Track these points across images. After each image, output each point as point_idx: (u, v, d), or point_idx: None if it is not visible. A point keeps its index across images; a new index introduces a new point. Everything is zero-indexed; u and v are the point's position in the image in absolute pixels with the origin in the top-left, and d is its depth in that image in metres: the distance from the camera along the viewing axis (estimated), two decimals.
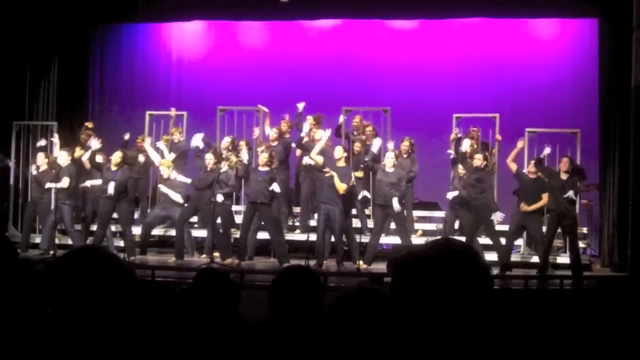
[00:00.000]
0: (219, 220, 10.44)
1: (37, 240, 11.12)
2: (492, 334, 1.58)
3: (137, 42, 14.30)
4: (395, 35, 13.55)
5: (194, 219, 11.34)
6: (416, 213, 11.58)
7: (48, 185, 10.68)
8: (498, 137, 11.39)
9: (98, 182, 10.64)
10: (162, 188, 10.76)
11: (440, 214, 11.59)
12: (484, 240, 10.18)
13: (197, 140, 11.40)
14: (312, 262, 9.69)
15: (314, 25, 13.69)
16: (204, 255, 10.58)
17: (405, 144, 10.92)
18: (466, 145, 10.23)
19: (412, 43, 13.46)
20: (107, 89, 14.10)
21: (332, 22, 13.68)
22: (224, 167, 10.36)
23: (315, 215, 10.69)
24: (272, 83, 13.32)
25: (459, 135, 10.90)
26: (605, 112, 11.16)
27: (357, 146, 11.02)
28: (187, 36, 14.18)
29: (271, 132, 11.19)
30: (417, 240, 10.57)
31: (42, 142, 11.46)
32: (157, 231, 11.48)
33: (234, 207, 11.42)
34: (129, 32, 14.17)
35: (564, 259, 10.24)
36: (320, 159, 10.15)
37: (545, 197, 9.81)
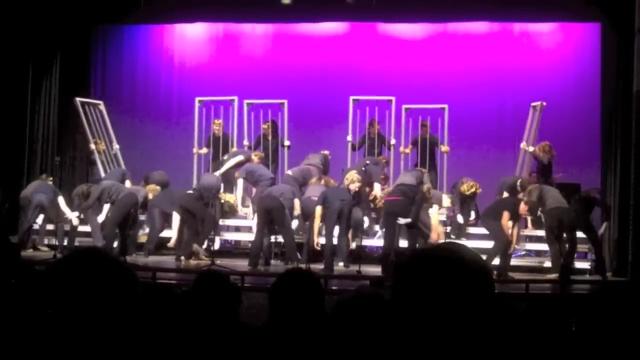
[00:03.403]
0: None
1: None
2: (492, 338, 1.58)
3: (139, 44, 14.31)
4: (398, 44, 13.53)
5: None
6: None
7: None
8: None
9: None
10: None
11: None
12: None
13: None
14: (313, 265, 9.67)
15: (317, 30, 13.68)
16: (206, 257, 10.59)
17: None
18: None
19: (416, 52, 13.45)
20: (108, 90, 14.11)
21: (335, 29, 13.67)
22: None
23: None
24: (272, 86, 13.33)
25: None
26: (607, 117, 11.16)
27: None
28: (189, 39, 14.19)
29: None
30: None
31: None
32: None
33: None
34: (130, 34, 14.18)
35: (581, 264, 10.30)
36: None
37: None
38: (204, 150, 12.37)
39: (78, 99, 12.60)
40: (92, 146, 12.40)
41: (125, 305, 1.92)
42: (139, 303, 2.25)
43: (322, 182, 10.93)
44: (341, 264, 10.03)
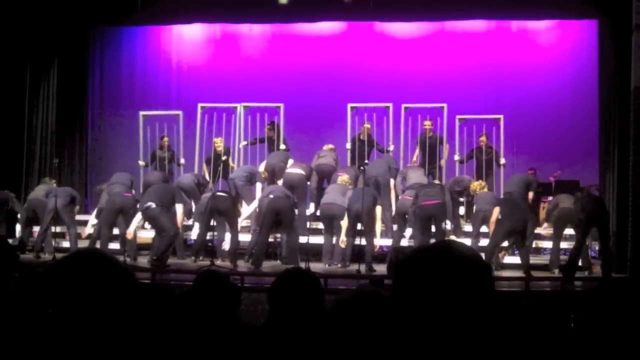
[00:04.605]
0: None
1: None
2: (492, 335, 1.58)
3: (136, 45, 14.30)
4: (395, 43, 13.54)
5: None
6: None
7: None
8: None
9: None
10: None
11: None
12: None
13: None
14: (313, 265, 9.67)
15: (315, 30, 13.68)
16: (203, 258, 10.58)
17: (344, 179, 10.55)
18: None
19: (413, 50, 13.45)
20: (106, 92, 14.10)
21: (332, 29, 13.67)
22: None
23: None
24: (271, 87, 13.33)
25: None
26: (605, 114, 11.17)
27: None
28: (186, 40, 14.19)
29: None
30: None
31: None
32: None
33: None
34: (128, 36, 14.18)
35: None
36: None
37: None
38: (204, 167, 12.28)
39: (142, 112, 12.43)
40: (141, 162, 12.24)
41: (124, 306, 1.92)
42: (138, 303, 2.25)
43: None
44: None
